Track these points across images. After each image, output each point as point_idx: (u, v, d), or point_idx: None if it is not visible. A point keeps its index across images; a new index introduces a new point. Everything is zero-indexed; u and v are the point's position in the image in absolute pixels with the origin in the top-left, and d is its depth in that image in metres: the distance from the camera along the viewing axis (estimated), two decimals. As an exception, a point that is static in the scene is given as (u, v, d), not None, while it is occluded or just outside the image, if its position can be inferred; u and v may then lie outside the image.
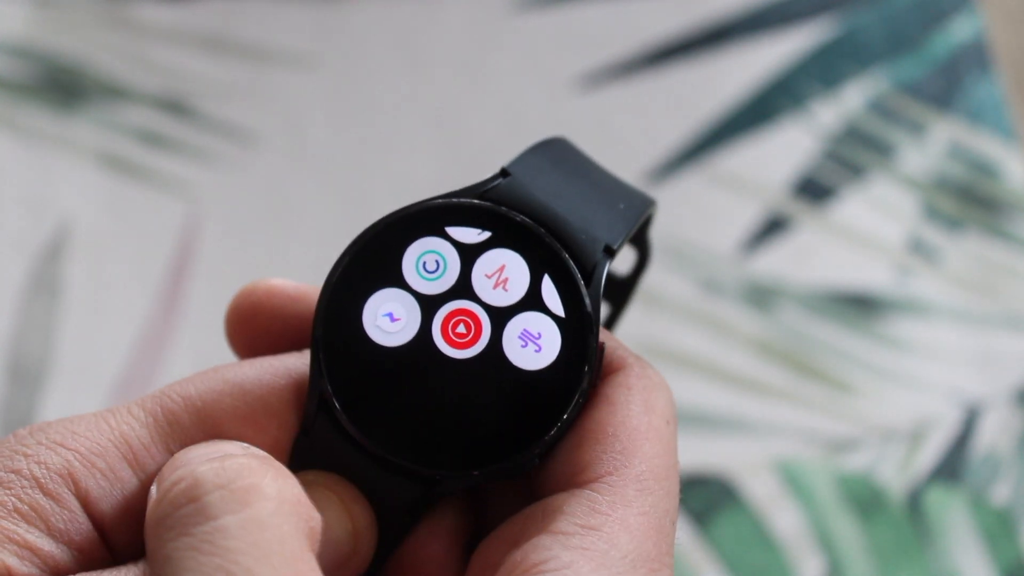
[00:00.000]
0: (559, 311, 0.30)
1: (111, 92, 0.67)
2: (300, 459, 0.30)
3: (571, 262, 0.30)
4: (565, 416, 0.30)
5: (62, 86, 0.67)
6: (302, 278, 0.64)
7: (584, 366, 0.30)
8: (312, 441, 0.30)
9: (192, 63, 0.68)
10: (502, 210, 0.31)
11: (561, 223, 0.31)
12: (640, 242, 0.37)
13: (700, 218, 0.65)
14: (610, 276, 0.32)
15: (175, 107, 0.67)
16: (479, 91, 0.68)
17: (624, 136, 0.67)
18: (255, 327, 0.33)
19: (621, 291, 0.39)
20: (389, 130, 0.67)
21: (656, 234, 0.38)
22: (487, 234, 0.31)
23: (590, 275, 0.31)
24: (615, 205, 0.32)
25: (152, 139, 0.66)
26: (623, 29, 0.69)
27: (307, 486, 0.29)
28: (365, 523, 0.30)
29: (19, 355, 0.62)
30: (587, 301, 0.30)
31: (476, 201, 0.31)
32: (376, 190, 0.66)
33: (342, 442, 0.30)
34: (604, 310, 0.36)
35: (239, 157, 0.66)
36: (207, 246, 0.65)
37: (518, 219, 0.31)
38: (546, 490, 0.30)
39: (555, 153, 0.33)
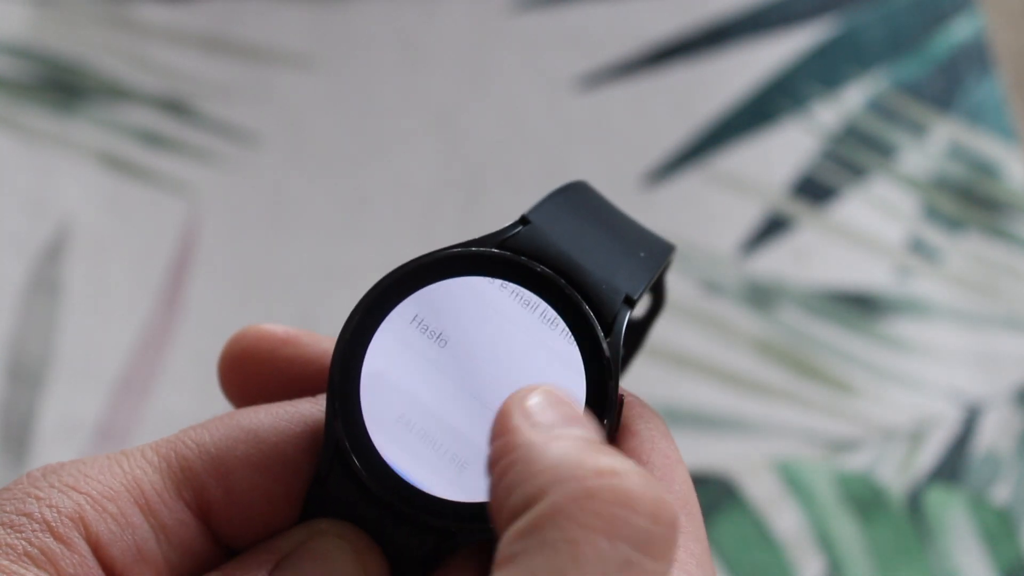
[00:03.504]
0: (578, 363, 0.30)
1: (111, 92, 0.67)
2: (314, 507, 0.30)
3: (591, 314, 0.30)
4: None
5: (62, 86, 0.67)
6: (302, 278, 0.64)
7: (604, 419, 0.29)
8: (327, 489, 0.30)
9: (192, 63, 0.68)
10: (522, 260, 0.30)
11: (581, 273, 0.30)
12: (656, 287, 0.37)
13: (700, 218, 0.65)
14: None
15: (175, 107, 0.67)
16: (479, 91, 0.68)
17: (624, 136, 0.67)
18: (246, 374, 0.33)
19: (634, 334, 0.38)
20: (389, 130, 0.67)
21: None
22: (507, 285, 0.30)
23: (610, 325, 0.30)
24: (635, 253, 0.32)
25: (152, 139, 0.66)
26: (623, 29, 0.69)
27: (321, 535, 0.29)
28: (378, 574, 0.30)
29: (19, 355, 0.62)
30: (607, 353, 0.30)
31: (495, 251, 0.30)
32: (376, 190, 0.66)
33: (357, 491, 0.29)
34: None
35: (239, 157, 0.66)
36: (207, 246, 0.65)
37: (538, 269, 0.30)
38: None
39: (575, 199, 0.33)
